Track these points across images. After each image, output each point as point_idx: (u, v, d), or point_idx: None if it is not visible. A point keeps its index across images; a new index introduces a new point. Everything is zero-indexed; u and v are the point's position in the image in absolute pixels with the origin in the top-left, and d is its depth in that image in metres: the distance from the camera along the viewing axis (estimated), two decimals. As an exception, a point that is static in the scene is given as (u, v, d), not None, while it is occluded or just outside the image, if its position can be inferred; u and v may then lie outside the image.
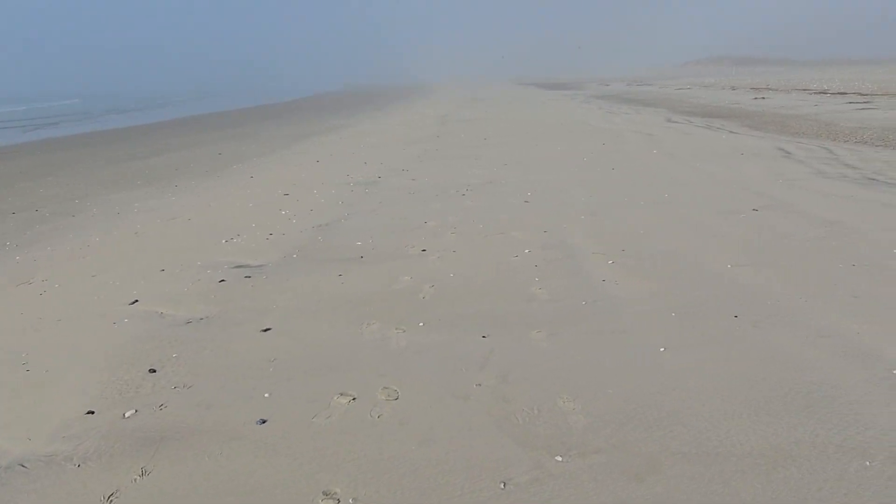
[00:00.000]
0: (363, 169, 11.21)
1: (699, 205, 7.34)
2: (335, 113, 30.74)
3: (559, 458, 2.65)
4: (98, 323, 4.35)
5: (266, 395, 3.26)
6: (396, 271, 5.24)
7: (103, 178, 12.10)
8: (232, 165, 12.87)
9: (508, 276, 5.05)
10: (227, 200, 8.91)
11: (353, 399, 3.17)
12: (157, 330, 4.16)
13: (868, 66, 78.10)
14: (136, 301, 4.75)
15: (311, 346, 3.85)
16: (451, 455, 2.71)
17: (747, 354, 3.52)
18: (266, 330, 4.10)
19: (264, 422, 3.00)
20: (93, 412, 3.15)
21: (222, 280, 5.16)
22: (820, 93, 28.98)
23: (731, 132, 15.08)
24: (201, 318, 4.34)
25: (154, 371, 3.55)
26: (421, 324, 4.12)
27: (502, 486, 2.51)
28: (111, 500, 2.52)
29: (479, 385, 3.28)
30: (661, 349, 3.62)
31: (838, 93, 28.01)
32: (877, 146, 11.74)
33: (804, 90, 31.86)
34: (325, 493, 2.51)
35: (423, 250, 5.87)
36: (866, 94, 25.93)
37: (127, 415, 3.11)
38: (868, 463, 2.55)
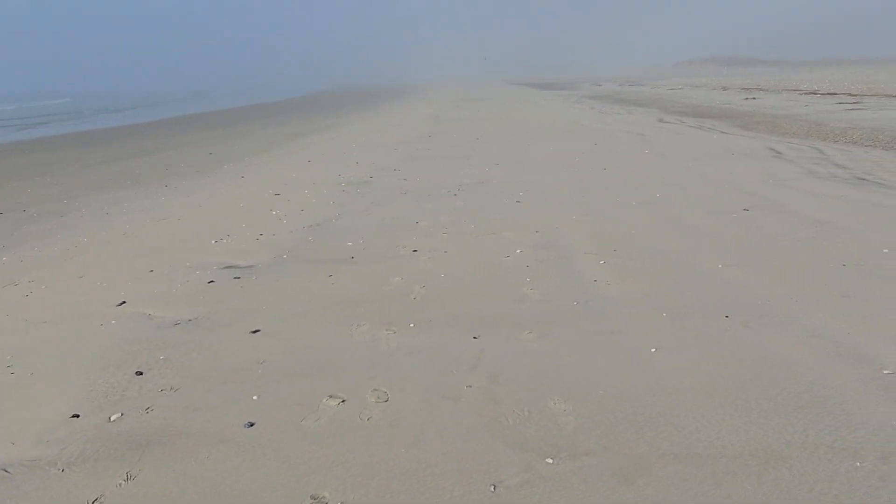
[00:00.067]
0: (355, 169, 11.17)
1: (691, 205, 7.35)
2: (327, 112, 30.64)
3: (550, 461, 2.64)
4: (85, 324, 4.30)
5: (254, 397, 3.22)
6: (387, 272, 5.21)
7: (93, 178, 12.01)
8: (223, 165, 12.80)
9: (500, 276, 5.03)
10: (218, 200, 8.85)
11: (343, 401, 3.14)
12: (144, 331, 4.12)
13: (858, 67, 78.68)
14: (124, 302, 4.69)
15: (300, 347, 3.82)
16: (442, 458, 2.69)
17: (738, 355, 3.51)
18: (255, 331, 4.06)
19: (252, 425, 2.96)
20: (78, 416, 3.11)
21: (211, 281, 5.11)
22: (810, 93, 29.16)
23: (722, 132, 15.13)
24: (189, 320, 4.30)
25: (141, 373, 3.51)
26: (411, 325, 4.09)
27: (492, 488, 2.49)
28: (95, 506, 2.48)
29: (470, 386, 3.26)
30: (653, 350, 3.61)
31: (828, 93, 28.19)
32: (866, 146, 11.81)
33: (794, 90, 32.05)
34: (313, 497, 2.48)
35: (415, 251, 5.84)
36: (856, 95, 26.11)
37: (112, 418, 3.07)
38: (859, 463, 2.54)
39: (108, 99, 59.61)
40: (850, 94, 26.45)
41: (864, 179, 8.59)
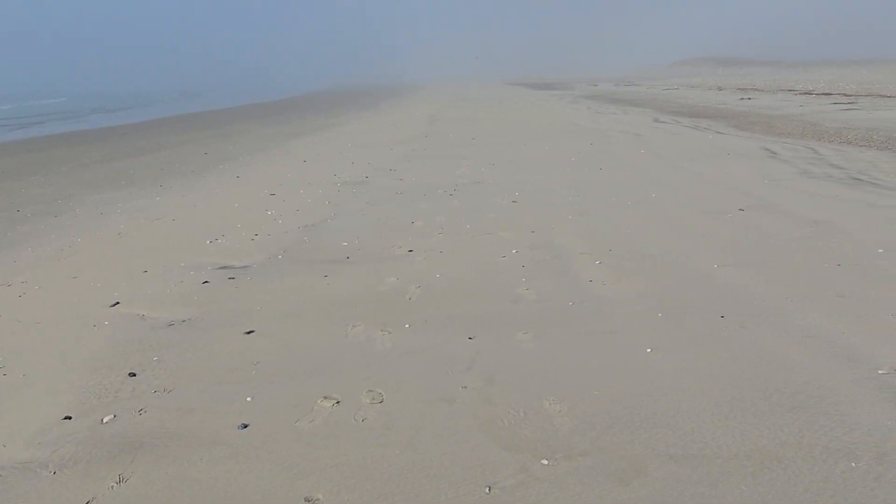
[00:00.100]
0: (350, 169, 11.14)
1: (686, 205, 7.35)
2: (323, 112, 30.60)
3: (545, 462, 2.63)
4: (78, 325, 4.27)
5: (248, 398, 3.20)
6: (383, 272, 5.19)
7: (87, 177, 11.95)
8: (218, 165, 12.76)
9: (495, 276, 5.02)
10: (213, 200, 8.82)
11: (337, 402, 3.13)
12: (138, 332, 4.09)
13: (853, 67, 78.95)
14: (118, 303, 4.67)
15: (294, 348, 3.80)
16: (437, 459, 2.68)
17: (734, 355, 3.51)
18: (249, 332, 4.04)
19: (246, 426, 2.95)
20: (70, 417, 3.08)
21: (206, 281, 5.09)
22: (805, 93, 29.24)
23: (717, 132, 15.16)
24: (183, 321, 4.28)
25: (134, 375, 3.49)
26: (407, 325, 4.08)
27: (487, 490, 2.47)
28: (87, 509, 2.46)
29: (465, 387, 3.25)
30: (648, 350, 3.60)
31: (823, 93, 28.28)
32: (861, 146, 11.84)
33: (790, 91, 32.14)
34: (307, 500, 2.47)
35: (410, 251, 5.82)
36: (850, 95, 26.20)
37: (105, 420, 3.04)
38: (854, 464, 2.54)
39: (105, 98, 59.40)
40: (845, 95, 26.54)
41: (858, 179, 8.61)
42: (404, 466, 2.64)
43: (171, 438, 2.87)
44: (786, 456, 2.61)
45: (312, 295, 4.72)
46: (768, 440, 2.72)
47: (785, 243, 5.65)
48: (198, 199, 8.97)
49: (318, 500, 2.46)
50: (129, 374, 3.49)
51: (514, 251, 5.67)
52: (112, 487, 2.57)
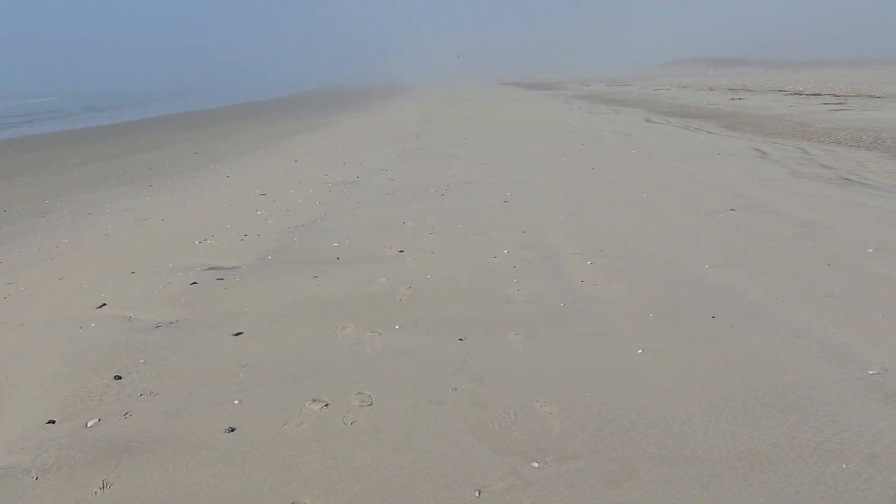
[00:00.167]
0: (342, 168, 11.10)
1: (677, 205, 7.36)
2: (315, 112, 30.49)
3: (535, 465, 2.60)
4: (63, 327, 4.22)
5: (236, 401, 3.16)
6: (373, 273, 5.16)
7: (75, 177, 11.83)
8: (208, 165, 12.67)
9: (486, 277, 5.00)
10: (202, 201, 8.75)
11: (326, 405, 3.09)
12: (124, 334, 4.04)
13: (842, 68, 79.54)
14: (104, 304, 4.61)
15: (283, 350, 3.76)
16: (426, 463, 2.65)
17: (725, 356, 3.50)
18: (238, 334, 4.00)
19: (233, 430, 2.91)
20: (54, 422, 3.03)
21: (194, 282, 5.04)
22: (795, 94, 29.42)
23: (708, 132, 15.21)
24: (171, 322, 4.22)
25: (119, 378, 3.44)
26: (397, 326, 4.05)
27: (477, 494, 2.45)
28: (70, 515, 2.42)
29: (455, 389, 3.22)
30: (639, 351, 3.59)
31: (813, 94, 28.46)
32: (850, 146, 11.91)
33: (780, 91, 32.32)
34: (294, 504, 2.43)
35: (401, 251, 5.79)
36: (840, 96, 26.37)
37: (89, 424, 2.99)
38: (844, 465, 2.53)
39: (96, 97, 58.90)
40: (835, 95, 26.71)
41: (848, 179, 8.66)
42: (393, 470, 2.61)
43: (157, 443, 2.83)
44: (777, 457, 2.60)
45: (302, 296, 4.68)
46: (759, 441, 2.71)
47: (775, 243, 5.65)
48: (187, 199, 8.89)
49: (305, 504, 2.43)
50: (115, 377, 3.44)
51: (505, 251, 5.65)
52: (96, 493, 2.52)
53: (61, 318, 4.38)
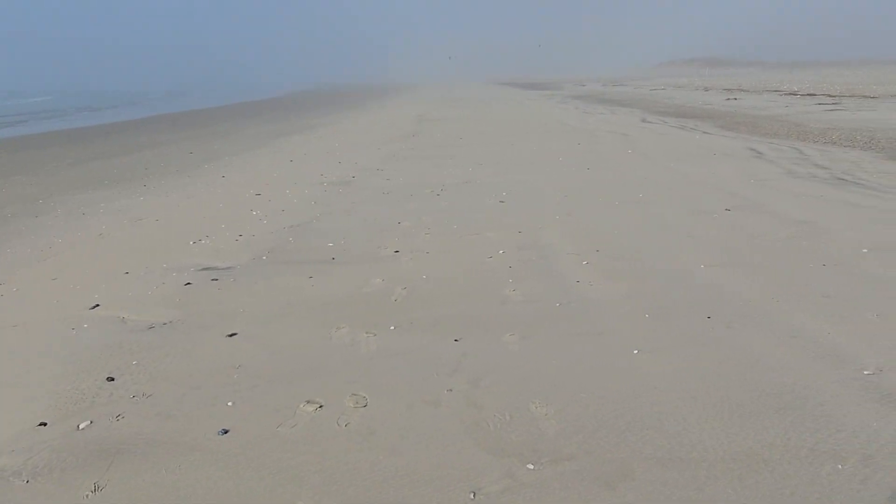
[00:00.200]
0: (337, 168, 11.07)
1: (673, 205, 7.36)
2: (311, 111, 30.43)
3: (531, 466, 2.59)
4: (56, 328, 4.18)
5: (229, 403, 3.14)
6: (368, 273, 5.14)
7: (70, 177, 11.77)
8: (203, 164, 12.62)
9: (482, 277, 4.98)
10: (197, 200, 8.72)
11: (320, 407, 3.07)
12: (117, 336, 4.01)
13: (837, 68, 79.84)
14: (98, 305, 4.58)
15: (277, 351, 3.74)
16: (421, 464, 2.63)
17: (720, 356, 3.49)
18: (232, 335, 3.97)
19: (227, 432, 2.89)
20: (45, 424, 3.01)
21: (188, 283, 5.01)
22: (790, 94, 29.50)
23: (704, 132, 15.23)
24: (164, 323, 4.20)
25: (112, 379, 3.41)
26: (392, 327, 4.03)
27: (472, 496, 2.43)
28: (61, 518, 2.39)
29: (451, 391, 3.20)
30: (635, 351, 3.58)
31: (808, 94, 28.55)
32: (845, 146, 11.94)
33: (775, 91, 32.42)
34: (288, 507, 2.41)
35: (396, 251, 5.78)
36: (835, 96, 26.46)
37: (81, 426, 2.97)
38: (840, 466, 2.52)
39: (91, 97, 58.67)
40: (829, 95, 26.80)
41: (843, 179, 8.67)
42: (388, 472, 2.60)
43: (149, 445, 2.81)
44: (772, 458, 2.59)
45: (297, 296, 4.66)
46: (755, 442, 2.70)
47: (771, 243, 5.66)
48: (182, 199, 8.86)
49: (299, 507, 2.41)
50: (108, 378, 3.42)
51: (501, 252, 5.64)
52: (87, 496, 2.50)
53: (54, 319, 4.35)
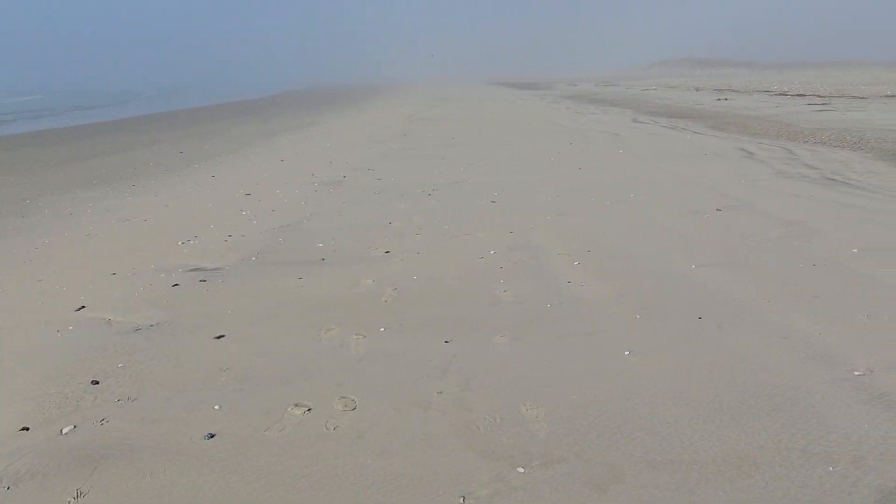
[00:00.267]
0: (328, 168, 11.01)
1: (664, 205, 7.36)
2: (302, 111, 30.31)
3: (521, 470, 2.56)
4: (40, 331, 4.12)
5: (216, 407, 3.09)
6: (358, 274, 5.10)
7: (58, 177, 11.64)
8: (193, 164, 12.52)
9: (473, 278, 4.96)
10: (186, 200, 8.64)
11: (309, 410, 3.03)
12: (103, 338, 3.95)
13: (826, 69, 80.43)
14: (83, 307, 4.51)
15: (266, 353, 3.69)
16: (410, 468, 2.60)
17: (711, 357, 3.48)
18: (219, 337, 3.93)
19: (213, 436, 2.84)
20: (27, 428, 2.95)
21: (176, 284, 4.95)
22: (780, 94, 29.67)
23: (695, 133, 15.28)
24: (151, 325, 4.14)
25: (97, 382, 3.36)
26: (382, 329, 3.99)
27: (462, 500, 2.40)
28: (42, 526, 2.35)
29: (441, 393, 3.17)
30: (626, 352, 3.56)
31: (798, 94, 28.72)
32: (835, 146, 12.00)
33: (765, 92, 32.60)
34: (274, 513, 2.37)
35: (387, 252, 5.74)
36: (824, 96, 26.63)
37: (65, 431, 2.92)
38: (831, 468, 2.51)
39: (82, 95, 58.16)
40: (819, 96, 26.97)
41: (832, 180, 8.71)
42: (376, 476, 2.56)
43: (134, 449, 2.76)
44: (764, 460, 2.58)
45: (286, 298, 4.62)
46: (746, 444, 2.69)
47: (761, 243, 5.66)
48: (171, 199, 8.78)
49: (286, 513, 2.37)
50: (92, 381, 3.36)
51: (492, 252, 5.62)
52: (69, 502, 2.45)
53: (39, 321, 4.28)
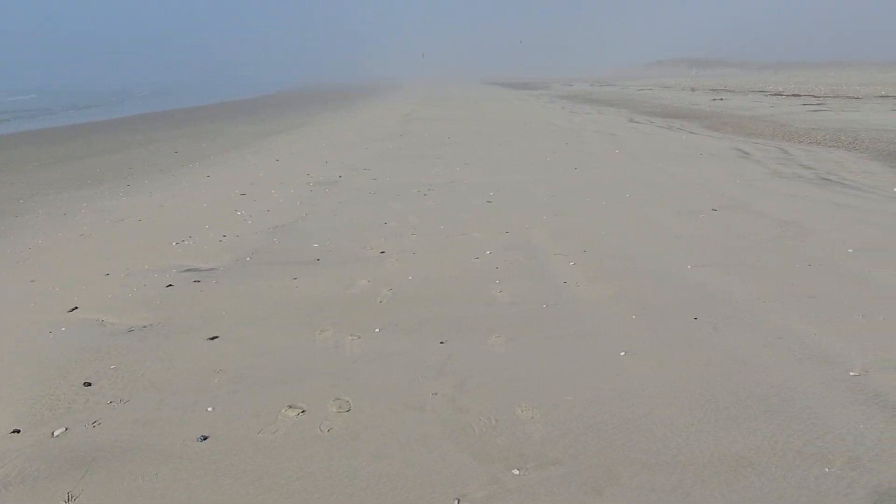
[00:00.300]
0: (324, 168, 10.98)
1: (660, 205, 7.36)
2: (298, 111, 30.25)
3: (516, 472, 2.55)
4: (33, 332, 4.09)
5: (209, 408, 3.07)
6: (353, 274, 5.08)
7: (52, 176, 11.59)
8: (188, 164, 12.48)
9: (468, 278, 4.94)
10: (181, 200, 8.60)
11: (303, 412, 3.01)
12: (95, 339, 3.92)
13: (821, 69, 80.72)
14: (76, 308, 4.48)
15: (260, 355, 3.67)
16: (404, 470, 2.58)
17: (707, 358, 3.47)
18: (213, 338, 3.90)
19: (206, 438, 2.82)
20: (18, 431, 2.92)
21: (169, 285, 4.92)
22: (775, 94, 29.75)
23: (690, 133, 15.30)
24: (144, 326, 4.11)
25: (89, 384, 3.33)
26: (377, 330, 3.97)
27: (456, 502, 2.39)
28: (32, 530, 2.32)
29: (436, 394, 3.16)
30: (622, 353, 3.55)
31: (793, 95, 28.80)
32: (829, 146, 12.03)
33: (760, 92, 32.68)
34: (268, 516, 2.35)
35: (382, 252, 5.72)
36: (819, 97, 26.71)
37: (56, 433, 2.89)
38: (827, 469, 2.51)
39: (77, 95, 57.91)
40: (814, 96, 27.05)
41: (827, 180, 8.73)
42: (371, 478, 2.54)
43: (126, 452, 2.73)
44: (760, 462, 2.57)
45: (280, 298, 4.59)
46: (742, 445, 2.68)
47: (757, 244, 5.66)
48: (165, 199, 8.74)
49: (279, 516, 2.35)
50: (85, 383, 3.33)
51: (487, 252, 5.60)
52: (60, 506, 2.43)
53: (31, 323, 4.25)
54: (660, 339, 3.73)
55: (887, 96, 25.73)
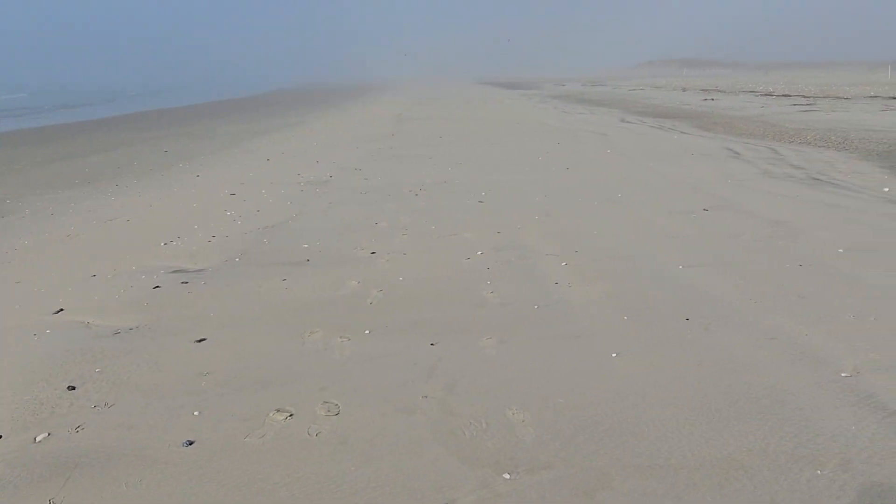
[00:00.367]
0: (315, 168, 10.92)
1: (652, 205, 7.36)
2: (289, 110, 30.12)
3: (507, 476, 2.52)
4: (16, 334, 4.02)
5: (195, 412, 3.02)
6: (344, 275, 5.03)
7: (39, 176, 11.46)
8: (178, 164, 12.37)
9: (460, 279, 4.91)
10: (170, 201, 8.52)
11: (291, 415, 2.97)
12: (80, 342, 3.86)
13: (811, 70, 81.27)
14: (62, 310, 4.42)
15: (248, 357, 3.62)
16: (393, 475, 2.55)
17: (699, 359, 3.46)
18: (200, 340, 3.85)
19: (192, 443, 2.77)
20: (0, 436, 2.86)
21: (157, 286, 4.86)
22: (766, 95, 29.91)
23: (681, 132, 15.34)
24: (131, 329, 4.05)
25: (73, 388, 3.27)
26: (367, 331, 3.93)
27: (446, 508, 2.36)
28: (12, 538, 2.27)
29: (426, 397, 3.12)
30: (614, 354, 3.53)
31: (783, 95, 28.96)
32: (819, 147, 12.08)
33: (751, 92, 32.85)
34: (254, 522, 2.31)
35: (373, 253, 5.68)
36: (809, 97, 26.87)
37: (38, 438, 2.83)
38: (819, 472, 2.49)
39: (67, 94, 57.42)
40: (804, 97, 27.21)
41: (818, 180, 8.75)
42: (359, 483, 2.51)
43: (110, 458, 2.68)
44: (752, 464, 2.55)
45: (269, 300, 4.54)
46: (734, 448, 2.66)
47: (748, 244, 5.66)
48: (154, 199, 8.65)
49: (265, 522, 2.31)
50: (69, 387, 3.28)
51: (479, 253, 5.57)
52: (42, 514, 2.37)
53: (15, 325, 4.18)
54: (651, 340, 3.71)
55: (876, 97, 25.92)
